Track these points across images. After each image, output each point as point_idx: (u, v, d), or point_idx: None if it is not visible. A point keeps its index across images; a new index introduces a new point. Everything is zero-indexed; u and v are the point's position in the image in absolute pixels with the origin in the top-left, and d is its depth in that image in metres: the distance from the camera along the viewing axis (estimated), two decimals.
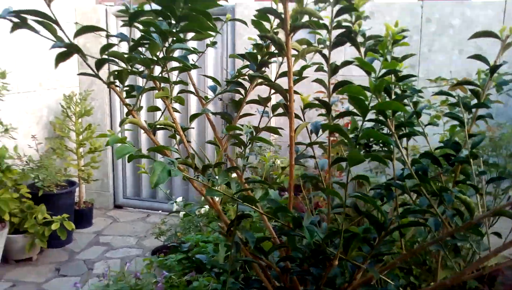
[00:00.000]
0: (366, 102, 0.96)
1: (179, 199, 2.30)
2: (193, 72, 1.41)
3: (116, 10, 4.42)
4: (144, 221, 4.52)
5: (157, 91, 1.24)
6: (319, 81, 1.39)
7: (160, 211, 4.66)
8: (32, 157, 3.81)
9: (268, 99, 1.35)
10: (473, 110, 1.36)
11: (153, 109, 1.29)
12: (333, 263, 1.18)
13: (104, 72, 1.06)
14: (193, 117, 1.33)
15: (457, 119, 1.31)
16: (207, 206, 2.38)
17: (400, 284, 1.38)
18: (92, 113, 4.28)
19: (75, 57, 1.07)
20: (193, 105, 4.39)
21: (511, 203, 1.10)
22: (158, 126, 1.22)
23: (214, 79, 1.44)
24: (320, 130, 1.51)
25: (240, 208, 1.24)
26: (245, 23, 1.40)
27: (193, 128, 4.30)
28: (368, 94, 1.03)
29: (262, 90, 1.45)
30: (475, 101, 1.38)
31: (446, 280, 1.22)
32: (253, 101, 1.41)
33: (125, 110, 3.98)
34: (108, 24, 4.43)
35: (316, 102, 1.41)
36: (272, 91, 1.38)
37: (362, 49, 1.41)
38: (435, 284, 1.30)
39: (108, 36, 1.20)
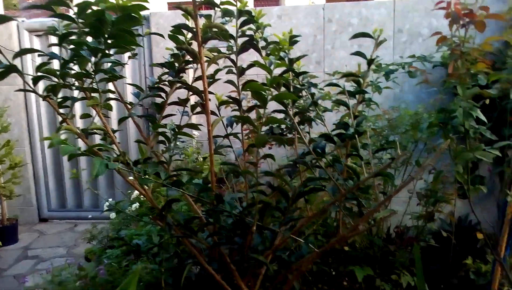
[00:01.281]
0: (265, 95, 1.22)
1: (106, 203, 2.44)
2: (117, 82, 1.59)
3: (28, 26, 4.40)
4: (72, 231, 4.53)
5: (87, 101, 1.42)
6: (230, 82, 1.64)
7: (87, 220, 4.69)
8: None
9: (186, 100, 1.58)
10: (357, 96, 1.68)
11: (85, 116, 1.47)
12: (252, 229, 1.43)
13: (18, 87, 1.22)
14: (121, 120, 1.52)
15: (343, 104, 1.61)
16: (137, 203, 2.55)
17: (310, 241, 1.66)
18: (9, 129, 4.23)
19: None
20: (115, 110, 4.47)
21: (388, 165, 1.41)
22: (90, 131, 1.40)
23: (137, 86, 1.64)
24: (234, 123, 1.77)
25: (169, 194, 1.45)
26: (162, 36, 1.62)
27: (122, 130, 4.40)
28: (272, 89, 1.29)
29: (182, 93, 1.68)
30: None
31: (345, 232, 1.52)
32: (174, 103, 1.63)
33: (44, 124, 3.99)
34: (21, 39, 4.40)
35: (229, 100, 1.66)
36: (190, 93, 1.61)
37: (264, 52, 1.69)
38: (337, 237, 1.59)
39: (40, 55, 1.36)
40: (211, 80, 1.64)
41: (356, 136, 1.58)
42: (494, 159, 2.08)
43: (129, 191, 3.30)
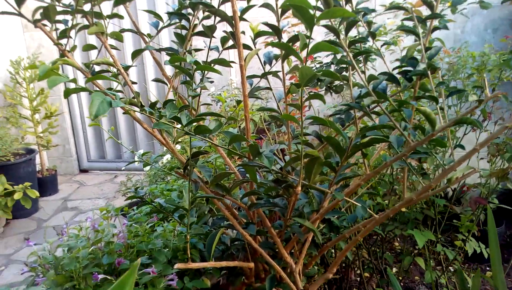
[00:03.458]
0: (310, 13, 0.89)
1: (140, 151, 2.21)
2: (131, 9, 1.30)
3: None
4: (112, 182, 4.43)
5: (89, 29, 1.14)
6: (265, 5, 1.30)
7: (127, 171, 4.58)
8: None
9: (213, 27, 1.26)
10: (428, 23, 1.32)
11: (88, 48, 1.19)
12: (296, 189, 1.14)
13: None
14: (136, 54, 1.24)
15: (412, 32, 1.26)
16: (169, 155, 2.31)
17: (367, 204, 1.37)
18: None
19: (18, 21, 0.95)
20: (129, 44, 4.26)
21: (472, 109, 1.07)
22: (95, 64, 1.13)
23: (155, 14, 1.33)
24: (274, 60, 1.45)
25: (193, 144, 1.18)
26: None
27: (136, 66, 4.12)
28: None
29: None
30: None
31: (412, 194, 1.21)
32: (199, 33, 1.32)
33: (79, 72, 3.79)
34: None
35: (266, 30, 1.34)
36: (218, 19, 1.30)
37: None
38: (402, 200, 1.28)
39: None
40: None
41: (429, 73, 1.23)
42: None
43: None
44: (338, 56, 1.51)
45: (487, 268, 2.77)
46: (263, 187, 1.31)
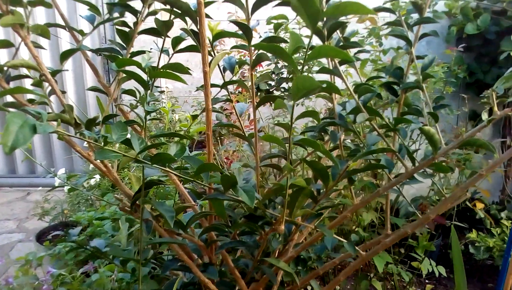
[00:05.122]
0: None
1: (62, 170, 1.87)
2: (61, 2, 1.00)
3: None
4: (24, 200, 3.92)
5: (1, 19, 0.84)
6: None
7: (40, 188, 4.09)
8: None
9: (169, 24, 1.00)
10: (415, 29, 1.15)
11: (3, 44, 0.88)
12: (278, 228, 0.92)
13: None
14: (64, 55, 0.95)
15: (402, 37, 1.08)
16: (97, 176, 1.98)
17: (353, 240, 1.17)
18: None
19: None
20: (66, 46, 3.70)
21: (480, 128, 0.91)
22: (11, 67, 0.82)
23: (90, 5, 1.05)
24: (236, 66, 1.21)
25: (147, 173, 0.91)
26: None
27: (67, 70, 3.62)
28: None
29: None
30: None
31: (406, 227, 1.03)
32: (148, 31, 1.06)
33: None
34: None
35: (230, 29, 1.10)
36: (173, 16, 1.04)
37: None
38: (384, 234, 1.10)
39: None
40: None
41: (423, 85, 1.06)
42: None
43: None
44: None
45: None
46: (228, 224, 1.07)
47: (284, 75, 2.31)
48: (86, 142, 0.82)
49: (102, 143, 0.76)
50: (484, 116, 0.92)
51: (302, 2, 0.67)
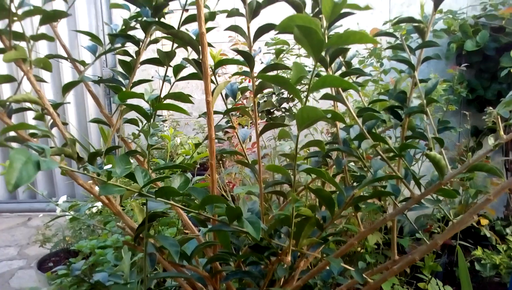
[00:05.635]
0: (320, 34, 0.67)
1: (63, 198, 1.86)
2: (63, 32, 1.00)
3: None
4: (25, 225, 3.89)
5: (4, 54, 0.84)
6: (234, 28, 1.07)
7: (41, 214, 4.06)
8: None
9: (171, 54, 1.00)
10: (417, 53, 1.15)
11: (3, 80, 0.88)
12: (284, 259, 0.90)
13: None
14: (67, 87, 0.95)
15: (405, 62, 1.08)
16: (100, 203, 1.97)
17: (360, 267, 1.15)
18: None
19: None
20: (68, 75, 3.68)
21: (487, 152, 0.90)
22: (13, 102, 0.82)
23: (92, 35, 1.05)
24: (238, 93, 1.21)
25: (150, 206, 0.90)
26: None
27: (69, 103, 3.59)
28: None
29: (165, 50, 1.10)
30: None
31: (414, 253, 1.01)
32: (150, 61, 1.05)
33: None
34: None
35: (231, 57, 1.10)
36: (175, 45, 1.04)
37: None
38: (392, 261, 1.09)
39: None
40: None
41: (427, 110, 1.06)
42: None
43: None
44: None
45: None
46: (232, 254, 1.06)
47: (285, 95, 2.31)
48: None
49: (106, 178, 0.75)
50: (491, 140, 0.91)
51: (305, 33, 0.67)
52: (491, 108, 2.19)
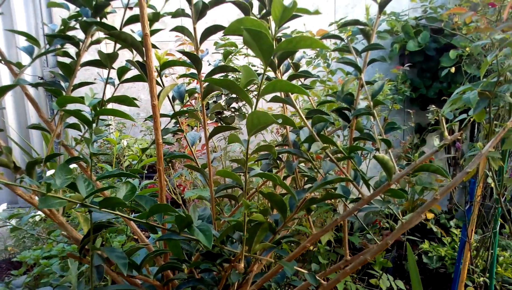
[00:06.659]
0: (270, 38, 0.65)
1: (3, 206, 1.75)
2: None
3: None
4: None
5: None
6: (180, 29, 1.04)
7: None
8: None
9: (113, 55, 0.95)
10: (363, 55, 1.16)
11: None
12: (237, 266, 0.88)
13: None
14: (1, 91, 0.88)
15: (351, 65, 1.09)
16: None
17: (313, 269, 1.15)
18: None
19: None
20: (5, 77, 3.36)
21: (432, 153, 0.92)
22: None
23: (28, 35, 0.99)
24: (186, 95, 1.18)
25: (95, 217, 0.85)
26: None
27: (4, 108, 3.35)
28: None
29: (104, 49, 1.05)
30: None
31: (366, 254, 1.02)
32: (91, 63, 1.00)
33: None
34: None
35: (178, 58, 1.07)
36: (118, 46, 1.00)
37: None
38: (344, 260, 1.10)
39: None
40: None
41: (374, 111, 1.07)
42: None
43: None
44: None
45: None
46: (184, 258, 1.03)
47: (234, 95, 2.30)
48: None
49: (45, 189, 0.70)
50: (436, 142, 0.93)
51: (255, 37, 0.65)
52: (433, 106, 2.27)
